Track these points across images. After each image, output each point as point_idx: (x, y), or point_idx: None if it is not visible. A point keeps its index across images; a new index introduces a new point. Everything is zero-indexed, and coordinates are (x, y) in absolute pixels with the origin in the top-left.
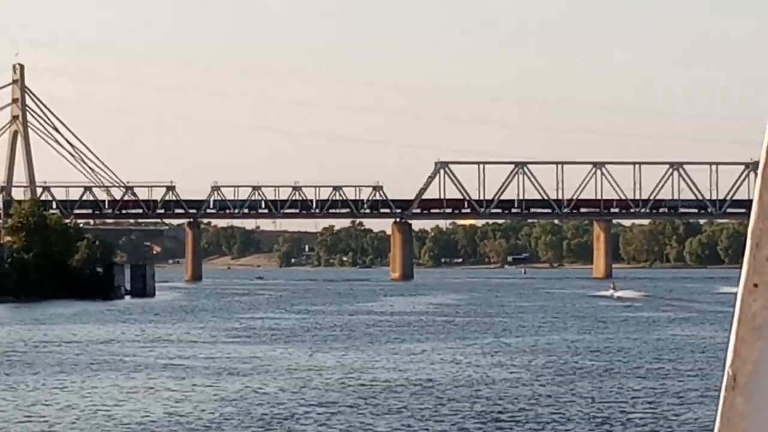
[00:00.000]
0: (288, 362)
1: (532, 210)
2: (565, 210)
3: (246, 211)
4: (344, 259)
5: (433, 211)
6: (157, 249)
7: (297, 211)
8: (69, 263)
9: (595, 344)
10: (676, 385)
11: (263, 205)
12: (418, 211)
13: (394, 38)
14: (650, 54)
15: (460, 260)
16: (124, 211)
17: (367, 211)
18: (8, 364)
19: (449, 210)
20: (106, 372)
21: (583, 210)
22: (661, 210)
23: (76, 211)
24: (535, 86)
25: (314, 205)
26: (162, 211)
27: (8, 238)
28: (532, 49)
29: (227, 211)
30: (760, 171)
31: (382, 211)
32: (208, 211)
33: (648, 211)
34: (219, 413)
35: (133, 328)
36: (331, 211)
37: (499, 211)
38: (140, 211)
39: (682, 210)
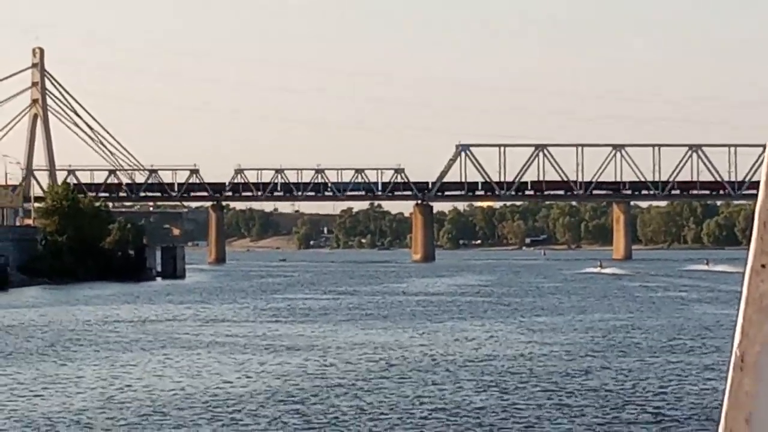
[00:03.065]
0: (335, 340)
1: (553, 192)
2: (584, 192)
3: (270, 193)
4: (363, 241)
5: (454, 193)
6: (176, 231)
7: (319, 193)
8: (101, 246)
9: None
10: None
11: (282, 188)
12: (440, 193)
13: (416, 28)
14: (669, 39)
15: (479, 242)
16: (148, 194)
17: (390, 193)
18: (64, 343)
19: (470, 192)
20: (163, 349)
21: (602, 191)
22: (679, 191)
23: (99, 194)
24: (555, 71)
25: (336, 189)
26: (187, 194)
27: (42, 221)
28: (553, 36)
29: (251, 193)
30: (767, 153)
31: (403, 192)
32: (226, 194)
33: (667, 193)
34: (269, 388)
35: (175, 308)
36: (352, 193)
37: (520, 193)
38: (163, 194)
39: (699, 191)
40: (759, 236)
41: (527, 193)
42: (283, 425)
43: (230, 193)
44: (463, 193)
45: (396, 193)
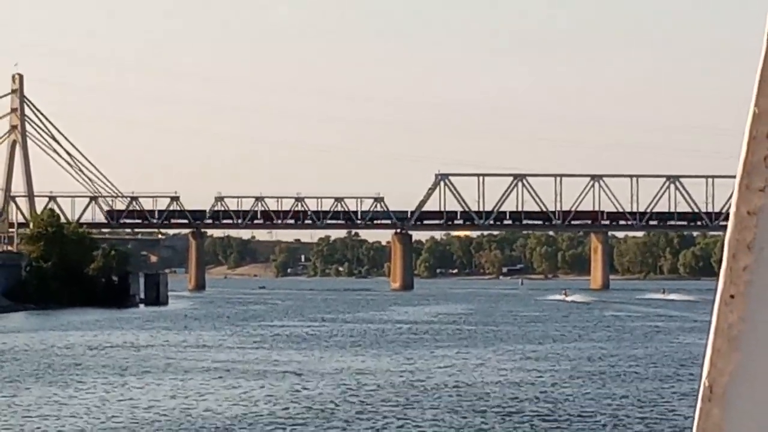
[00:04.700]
0: (320, 366)
1: (531, 222)
2: (562, 222)
3: (250, 221)
4: (340, 269)
5: (433, 222)
6: (153, 258)
7: (299, 221)
8: (86, 272)
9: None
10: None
11: (261, 216)
12: (419, 222)
13: (395, 52)
14: (648, 67)
15: (455, 271)
16: (127, 221)
17: (369, 221)
18: (54, 368)
19: (449, 221)
20: (151, 374)
21: (580, 222)
22: (653, 222)
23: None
24: (533, 100)
25: (316, 216)
26: (168, 221)
27: (27, 247)
28: (532, 63)
29: (230, 221)
30: (736, 184)
31: (382, 221)
32: (207, 221)
33: (644, 223)
34: (255, 414)
35: (161, 334)
36: (331, 221)
37: (499, 222)
38: (143, 221)
39: (677, 222)
40: (728, 267)
41: (506, 222)
42: None
43: (210, 221)
44: (442, 222)
45: (375, 221)
